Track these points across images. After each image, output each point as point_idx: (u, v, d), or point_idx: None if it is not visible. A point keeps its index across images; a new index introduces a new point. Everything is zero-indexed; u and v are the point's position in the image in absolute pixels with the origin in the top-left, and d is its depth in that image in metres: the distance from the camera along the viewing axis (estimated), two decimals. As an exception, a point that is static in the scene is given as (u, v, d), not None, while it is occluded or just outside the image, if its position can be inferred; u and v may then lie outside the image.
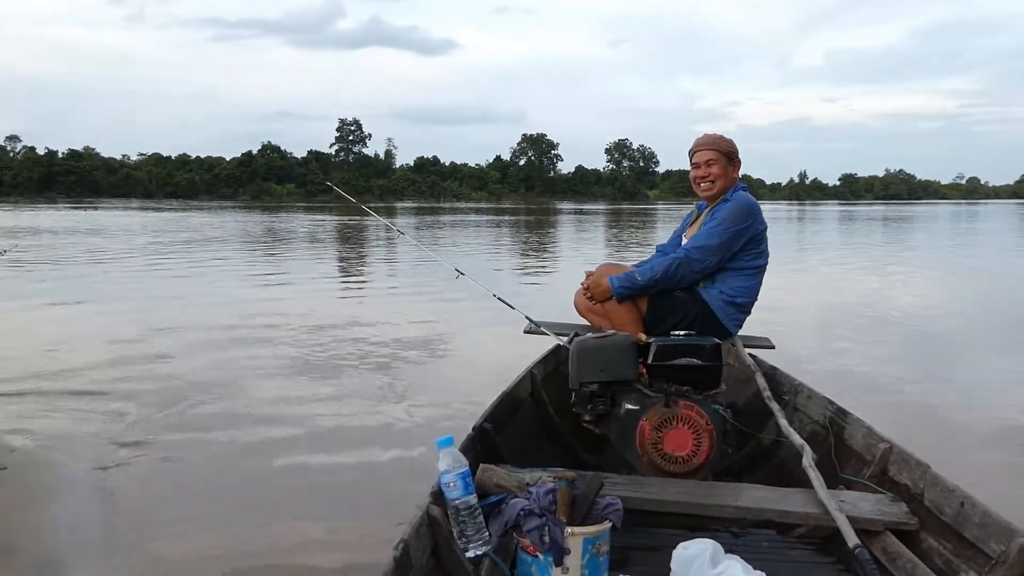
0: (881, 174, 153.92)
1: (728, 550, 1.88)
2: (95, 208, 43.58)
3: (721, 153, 3.39)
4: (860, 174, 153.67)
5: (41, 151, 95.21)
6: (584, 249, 17.08)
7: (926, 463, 2.03)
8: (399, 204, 74.90)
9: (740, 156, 3.47)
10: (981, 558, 1.69)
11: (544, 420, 2.90)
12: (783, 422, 2.49)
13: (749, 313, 3.38)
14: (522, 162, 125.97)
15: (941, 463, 2.04)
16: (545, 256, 14.48)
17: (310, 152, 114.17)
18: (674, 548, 1.81)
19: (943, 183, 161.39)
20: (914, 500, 2.00)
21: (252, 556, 2.38)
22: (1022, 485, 3.08)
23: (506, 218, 36.93)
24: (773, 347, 3.60)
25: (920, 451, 2.14)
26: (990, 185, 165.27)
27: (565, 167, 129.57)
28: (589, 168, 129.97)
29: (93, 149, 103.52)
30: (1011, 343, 6.02)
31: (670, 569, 1.77)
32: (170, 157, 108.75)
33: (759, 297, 3.41)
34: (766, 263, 3.38)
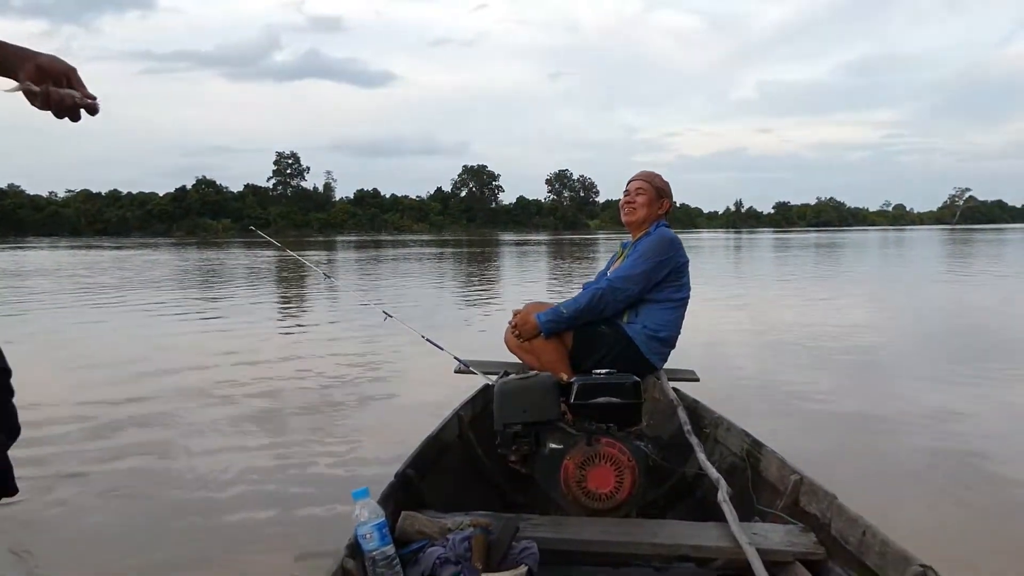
0: (813, 202, 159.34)
1: (648, 586, 1.93)
2: (20, 247, 42.01)
3: (653, 187, 3.53)
4: (793, 202, 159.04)
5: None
6: (525, 282, 17.19)
7: (833, 493, 2.11)
8: (339, 238, 74.16)
9: (672, 197, 3.61)
10: None
11: (472, 462, 2.91)
12: (701, 456, 2.56)
13: (673, 347, 3.47)
14: (463, 193, 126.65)
15: (863, 489, 2.13)
16: (483, 291, 14.51)
17: (247, 186, 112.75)
18: (594, 587, 1.84)
19: (871, 210, 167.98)
20: (822, 530, 2.07)
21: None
22: (935, 508, 3.20)
23: (447, 251, 36.93)
24: (697, 379, 3.70)
25: (838, 477, 2.22)
26: (915, 212, 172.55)
27: (507, 198, 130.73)
28: (531, 199, 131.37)
29: (18, 186, 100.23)
30: (936, 364, 6.27)
31: (588, 609, 1.80)
32: (100, 193, 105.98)
33: (683, 329, 3.52)
34: (688, 296, 3.49)
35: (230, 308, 11.05)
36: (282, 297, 13.73)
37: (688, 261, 3.50)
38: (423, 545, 1.85)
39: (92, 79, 1.56)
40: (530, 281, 17.33)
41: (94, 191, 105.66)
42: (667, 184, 3.60)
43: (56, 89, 1.46)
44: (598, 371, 2.64)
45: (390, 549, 1.72)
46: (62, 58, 1.50)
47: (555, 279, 17.12)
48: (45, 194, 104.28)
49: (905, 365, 6.24)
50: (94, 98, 1.51)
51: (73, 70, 1.52)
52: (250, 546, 2.72)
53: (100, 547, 2.77)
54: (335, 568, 1.63)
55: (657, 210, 3.53)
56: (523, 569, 1.66)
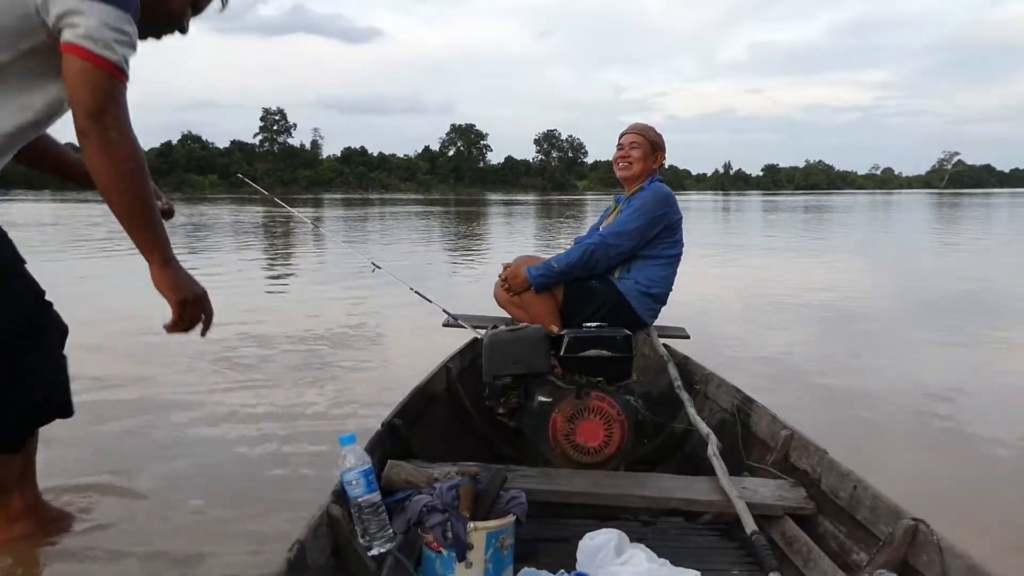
0: (802, 164, 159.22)
1: (636, 538, 1.91)
2: (6, 200, 41.34)
3: (646, 140, 3.47)
4: (782, 165, 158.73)
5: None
6: (514, 239, 17.12)
7: (823, 449, 2.10)
8: (326, 195, 73.44)
9: (665, 151, 3.55)
10: (871, 540, 1.75)
11: (460, 414, 2.89)
12: (691, 411, 2.55)
13: (664, 303, 3.45)
14: (451, 153, 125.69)
15: (846, 446, 2.12)
16: (471, 248, 14.45)
17: (233, 142, 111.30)
18: (581, 539, 1.83)
19: (860, 173, 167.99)
20: (812, 485, 2.07)
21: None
22: (920, 464, 3.21)
23: (435, 209, 36.69)
24: (688, 337, 3.67)
25: (826, 433, 2.21)
26: (903, 176, 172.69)
27: (495, 158, 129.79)
28: (519, 159, 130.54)
29: None
30: (921, 324, 6.29)
31: (576, 560, 1.78)
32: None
33: (675, 287, 3.49)
34: (680, 253, 3.45)
35: (217, 262, 10.94)
36: (269, 251, 13.60)
37: (682, 218, 3.46)
38: (409, 494, 1.82)
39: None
40: (518, 238, 17.27)
41: (78, 145, 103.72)
42: (661, 137, 3.53)
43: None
44: (588, 324, 2.61)
45: (376, 496, 1.69)
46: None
47: (542, 238, 17.07)
48: None
49: (890, 327, 6.25)
50: (170, 205, 2.14)
51: (154, 188, 1.96)
52: (231, 494, 2.68)
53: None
54: (319, 514, 1.60)
55: (652, 164, 3.48)
56: (511, 518, 1.63)
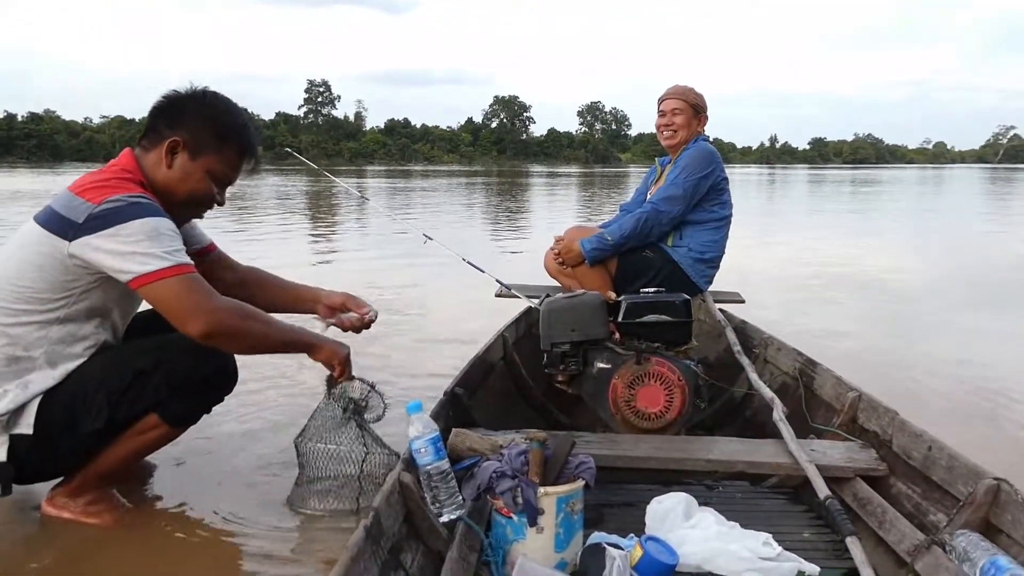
0: (850, 138, 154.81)
1: (702, 502, 1.90)
2: (56, 173, 42.15)
3: (688, 104, 3.40)
4: (830, 139, 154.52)
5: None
6: (558, 210, 17.03)
7: (894, 410, 2.05)
8: (369, 167, 73.55)
9: (707, 112, 3.48)
10: (949, 500, 1.71)
11: (517, 382, 2.90)
12: (753, 376, 2.51)
13: (717, 268, 3.40)
14: (494, 124, 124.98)
15: (909, 411, 2.06)
16: (519, 220, 14.41)
17: (278, 114, 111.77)
18: (648, 503, 1.82)
19: (910, 148, 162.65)
20: (883, 446, 2.03)
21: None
22: (986, 434, 3.11)
23: (478, 181, 36.59)
24: (743, 301, 3.63)
25: (888, 400, 2.16)
26: (956, 150, 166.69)
27: (537, 130, 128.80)
28: (562, 131, 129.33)
29: (54, 112, 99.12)
30: (974, 302, 6.07)
31: (645, 524, 1.78)
32: (134, 120, 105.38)
33: (727, 252, 3.44)
34: (730, 214, 3.40)
35: (262, 233, 11.06)
36: (316, 222, 13.63)
37: (728, 178, 3.40)
38: (476, 461, 1.83)
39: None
40: (562, 209, 17.18)
41: (128, 117, 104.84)
42: (702, 97, 3.46)
43: (344, 317, 2.30)
44: (646, 290, 2.58)
45: (445, 464, 1.70)
46: (340, 291, 2.40)
47: (587, 209, 16.94)
48: (80, 120, 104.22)
49: (939, 305, 6.04)
50: (368, 313, 2.32)
51: (351, 298, 2.35)
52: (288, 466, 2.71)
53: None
54: (390, 483, 1.62)
55: (696, 127, 3.42)
56: (580, 483, 1.63)
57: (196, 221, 2.23)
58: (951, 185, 35.09)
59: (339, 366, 2.08)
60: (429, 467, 1.69)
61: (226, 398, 2.16)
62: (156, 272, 1.75)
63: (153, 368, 1.90)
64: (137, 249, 1.75)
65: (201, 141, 1.95)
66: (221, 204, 2.07)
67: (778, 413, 2.19)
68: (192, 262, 1.86)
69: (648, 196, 3.51)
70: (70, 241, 1.78)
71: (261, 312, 1.97)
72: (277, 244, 9.57)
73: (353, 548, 1.34)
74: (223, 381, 2.09)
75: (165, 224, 1.81)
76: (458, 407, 2.27)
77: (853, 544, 1.55)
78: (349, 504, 2.10)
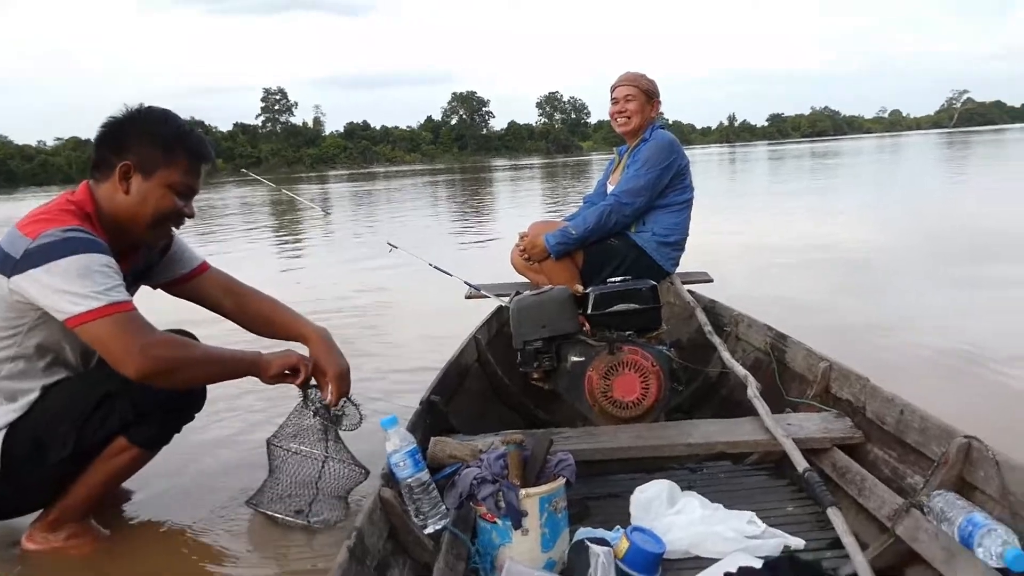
0: (807, 112, 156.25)
1: (686, 486, 1.92)
2: (15, 200, 41.10)
3: (640, 90, 3.40)
4: (787, 114, 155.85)
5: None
6: (522, 204, 17.01)
7: (865, 376, 2.08)
8: (331, 172, 72.64)
9: (660, 96, 3.49)
10: (924, 461, 1.74)
11: (493, 383, 2.89)
12: (726, 355, 2.53)
13: (683, 250, 3.42)
14: (453, 121, 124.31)
15: (882, 376, 2.09)
16: (483, 217, 14.37)
17: (236, 125, 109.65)
18: (632, 493, 1.83)
19: (867, 117, 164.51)
20: (857, 414, 2.05)
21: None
22: (957, 392, 3.16)
23: (440, 179, 36.40)
24: (711, 280, 3.65)
25: (862, 367, 2.18)
26: (912, 117, 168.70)
27: (497, 124, 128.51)
28: (521, 123, 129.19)
29: (5, 137, 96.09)
30: (936, 268, 6.17)
31: (630, 514, 1.79)
32: (89, 140, 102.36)
33: (691, 233, 3.45)
34: (692, 197, 3.42)
35: (225, 244, 10.91)
36: (279, 235, 13.44)
37: (689, 162, 3.41)
38: (456, 468, 1.82)
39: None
40: (527, 203, 17.17)
41: (83, 138, 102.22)
42: (654, 83, 3.47)
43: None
44: (612, 280, 2.59)
45: (425, 475, 1.69)
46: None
47: (551, 201, 16.95)
48: (34, 143, 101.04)
49: (903, 269, 6.13)
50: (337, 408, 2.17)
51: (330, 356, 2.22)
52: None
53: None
54: (371, 500, 1.61)
55: (650, 113, 3.43)
56: (561, 481, 1.63)
57: (187, 242, 2.21)
58: (907, 152, 35.51)
59: (300, 367, 2.07)
60: (410, 480, 1.67)
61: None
62: (87, 313, 1.71)
63: (118, 391, 1.87)
64: (68, 288, 1.71)
65: (149, 159, 1.90)
66: (191, 216, 2.01)
67: (752, 390, 2.20)
68: (128, 299, 1.80)
69: (609, 187, 3.51)
70: (9, 277, 1.75)
71: (199, 344, 1.95)
72: (242, 257, 9.45)
73: (338, 571, 1.33)
74: (190, 401, 2.07)
75: (98, 260, 1.75)
76: (435, 415, 2.26)
77: (834, 514, 1.57)
78: (303, 506, 2.12)
